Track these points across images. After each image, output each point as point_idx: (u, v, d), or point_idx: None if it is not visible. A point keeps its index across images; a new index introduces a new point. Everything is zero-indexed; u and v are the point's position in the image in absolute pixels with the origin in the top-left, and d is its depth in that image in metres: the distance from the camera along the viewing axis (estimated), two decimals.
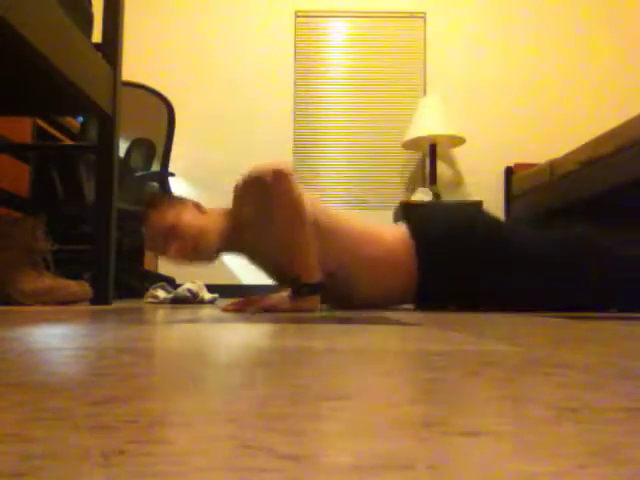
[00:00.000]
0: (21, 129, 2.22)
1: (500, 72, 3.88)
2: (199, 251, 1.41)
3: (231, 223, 1.46)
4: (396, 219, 3.63)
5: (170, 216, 1.41)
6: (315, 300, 1.31)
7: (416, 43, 3.90)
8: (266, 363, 0.36)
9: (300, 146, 3.83)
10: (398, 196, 3.78)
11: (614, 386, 0.29)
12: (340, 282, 1.48)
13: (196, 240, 1.40)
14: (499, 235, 1.53)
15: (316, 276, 1.31)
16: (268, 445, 0.17)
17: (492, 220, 1.59)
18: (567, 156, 2.92)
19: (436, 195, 3.40)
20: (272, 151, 3.80)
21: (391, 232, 1.54)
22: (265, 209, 1.33)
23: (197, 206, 1.48)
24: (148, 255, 3.37)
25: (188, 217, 1.42)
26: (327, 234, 1.43)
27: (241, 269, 3.76)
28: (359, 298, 1.55)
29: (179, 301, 1.93)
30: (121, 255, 2.43)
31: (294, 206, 1.29)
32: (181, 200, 1.49)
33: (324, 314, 1.17)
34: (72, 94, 1.40)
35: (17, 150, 2.22)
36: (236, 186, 1.41)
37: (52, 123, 2.56)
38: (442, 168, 3.80)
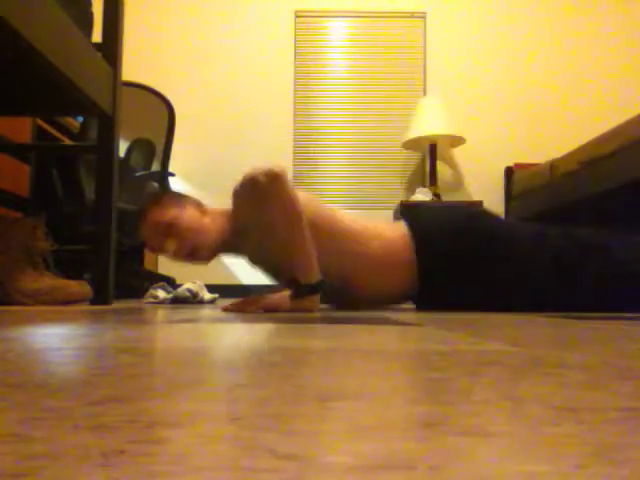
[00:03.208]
0: (21, 129, 2.22)
1: (500, 72, 3.88)
2: (196, 251, 1.41)
3: (231, 224, 1.46)
4: (396, 218, 3.63)
5: (169, 214, 1.41)
6: (315, 300, 1.31)
7: (416, 43, 3.90)
8: (266, 363, 0.36)
9: (300, 146, 3.83)
10: (398, 196, 3.78)
11: (614, 386, 0.29)
12: (340, 282, 1.48)
13: (194, 240, 1.40)
14: (500, 234, 1.53)
15: (315, 276, 1.31)
16: (268, 445, 0.17)
17: (493, 219, 1.59)
18: (567, 156, 2.92)
19: (436, 195, 3.40)
20: (272, 151, 3.80)
21: (391, 230, 1.54)
22: (262, 211, 1.33)
23: (198, 205, 1.48)
24: (148, 255, 3.37)
25: (188, 216, 1.42)
26: (326, 234, 1.43)
27: (241, 269, 3.77)
28: (359, 298, 1.55)
29: (179, 301, 1.93)
30: (121, 255, 2.43)
31: (289, 207, 1.29)
32: (182, 198, 1.49)
33: (324, 314, 1.17)
34: (72, 94, 1.40)
35: (17, 150, 2.22)
36: (234, 189, 1.41)
37: (52, 123, 2.56)
38: (442, 168, 3.80)
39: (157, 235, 1.42)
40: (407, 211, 1.58)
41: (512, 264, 1.50)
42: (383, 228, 1.55)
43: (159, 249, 1.45)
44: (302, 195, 1.41)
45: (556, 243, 1.52)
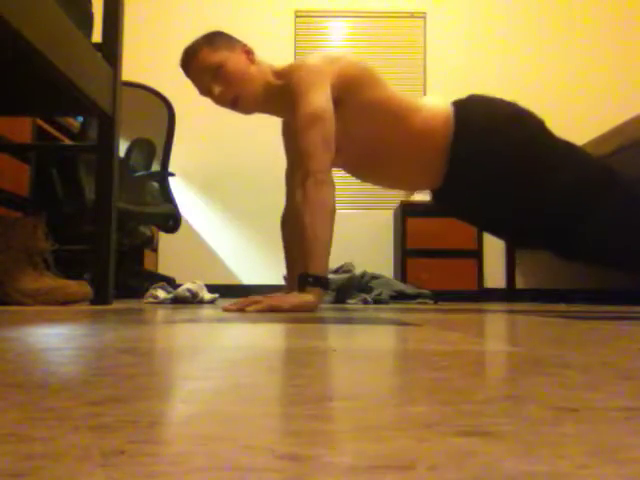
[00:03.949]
0: (21, 129, 2.22)
1: (500, 72, 3.88)
2: (240, 98, 1.43)
3: (276, 82, 1.46)
4: (396, 218, 3.63)
5: (219, 55, 1.42)
6: (318, 293, 1.30)
7: (416, 43, 3.90)
8: (266, 363, 0.36)
9: None
10: (398, 196, 3.78)
11: (614, 386, 0.29)
12: (371, 150, 1.49)
13: (239, 86, 1.42)
14: (539, 140, 1.49)
15: (323, 271, 1.31)
16: (268, 445, 0.17)
17: (538, 123, 1.54)
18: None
19: None
20: (272, 151, 3.80)
21: (435, 108, 1.51)
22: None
23: (248, 52, 1.48)
24: (148, 255, 3.37)
25: (236, 61, 1.43)
26: (369, 98, 1.44)
27: (241, 269, 3.77)
28: (385, 172, 1.56)
29: (179, 301, 1.93)
30: (121, 255, 2.43)
31: (325, 203, 1.32)
32: (234, 42, 1.48)
33: (324, 314, 1.17)
34: (72, 94, 1.40)
35: (17, 150, 2.22)
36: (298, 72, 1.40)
37: (52, 123, 2.56)
38: None
39: (204, 75, 1.43)
40: (459, 99, 1.56)
41: (539, 177, 1.46)
42: (428, 105, 1.52)
43: (205, 91, 1.46)
44: (352, 63, 1.43)
45: (589, 168, 1.48)
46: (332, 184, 1.36)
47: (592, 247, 1.46)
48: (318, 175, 1.33)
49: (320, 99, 1.36)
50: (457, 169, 1.49)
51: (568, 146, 1.52)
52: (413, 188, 1.66)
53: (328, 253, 1.33)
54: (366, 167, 1.57)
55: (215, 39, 1.46)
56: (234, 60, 1.43)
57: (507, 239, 1.46)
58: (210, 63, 1.42)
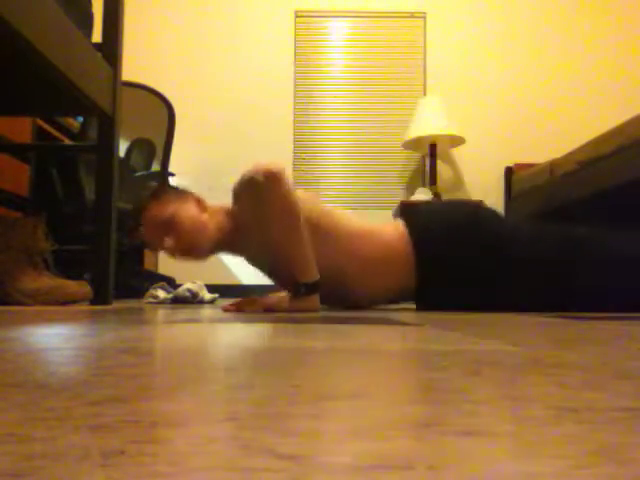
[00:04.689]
0: (21, 129, 2.22)
1: (500, 72, 3.88)
2: (194, 248, 1.40)
3: (230, 222, 1.45)
4: (394, 217, 3.63)
5: (168, 210, 1.39)
6: (314, 300, 1.31)
7: (416, 43, 3.90)
8: (266, 363, 0.36)
9: (300, 146, 3.83)
10: (398, 196, 3.78)
11: (614, 386, 0.29)
12: (338, 281, 1.48)
13: (192, 237, 1.38)
14: (499, 232, 1.52)
15: (314, 276, 1.31)
16: (268, 445, 0.17)
17: (493, 217, 1.57)
18: (567, 156, 2.92)
19: (436, 195, 3.40)
20: (272, 151, 3.80)
21: (389, 230, 1.53)
22: (260, 210, 1.33)
23: (197, 201, 1.46)
24: (148, 255, 3.37)
25: (186, 213, 1.40)
26: (324, 233, 1.43)
27: (241, 269, 3.77)
28: (358, 297, 1.55)
29: (179, 301, 1.93)
30: (121, 255, 2.43)
31: (287, 206, 1.29)
32: (182, 194, 1.47)
33: (324, 314, 1.17)
34: (72, 94, 1.40)
35: (17, 150, 2.22)
36: (233, 187, 1.41)
37: (52, 123, 2.56)
38: (442, 168, 3.80)
39: (155, 231, 1.40)
40: (405, 210, 1.58)
41: (512, 263, 1.50)
42: (381, 228, 1.54)
43: (157, 246, 1.43)
44: (301, 194, 1.40)
45: (555, 241, 1.52)
46: (292, 189, 1.32)
47: (592, 300, 1.48)
48: (271, 174, 1.29)
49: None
50: (429, 278, 1.50)
51: (522, 224, 1.59)
52: (389, 302, 1.66)
53: (311, 256, 1.31)
54: (337, 293, 1.54)
55: (162, 194, 1.44)
56: (184, 212, 1.40)
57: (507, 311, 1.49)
58: (159, 219, 1.39)
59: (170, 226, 1.38)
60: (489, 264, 1.49)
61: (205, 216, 1.43)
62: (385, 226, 1.57)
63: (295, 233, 1.29)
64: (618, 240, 1.52)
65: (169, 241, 1.38)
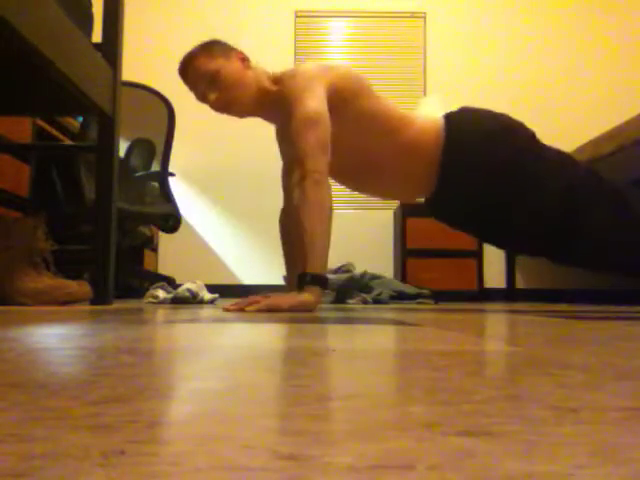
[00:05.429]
0: (21, 129, 2.22)
1: (500, 72, 3.88)
2: (235, 103, 1.48)
3: (271, 88, 1.50)
4: (396, 218, 3.63)
5: (215, 63, 1.46)
6: (317, 292, 1.30)
7: (416, 43, 3.90)
8: (266, 363, 0.36)
9: None
10: None
11: (614, 386, 0.29)
12: (363, 162, 1.51)
13: (234, 91, 1.46)
14: (529, 155, 1.49)
15: (323, 270, 1.32)
16: (268, 445, 0.17)
17: (531, 137, 1.54)
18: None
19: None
20: (272, 151, 3.80)
21: (426, 122, 1.53)
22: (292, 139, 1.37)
23: (244, 59, 1.52)
24: (148, 255, 3.37)
25: (232, 68, 1.47)
26: (361, 109, 1.47)
27: (241, 269, 3.77)
28: (377, 183, 1.57)
29: (179, 301, 1.93)
30: (121, 255, 2.43)
31: (320, 202, 1.32)
32: (229, 50, 1.52)
33: (324, 314, 1.17)
34: (72, 94, 1.40)
35: (17, 150, 2.22)
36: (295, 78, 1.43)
37: (52, 123, 2.56)
38: None
39: (201, 82, 1.48)
40: (450, 112, 1.58)
41: (531, 188, 1.47)
42: (420, 119, 1.55)
43: (201, 97, 1.51)
44: (347, 72, 1.48)
45: (579, 174, 1.49)
46: (329, 184, 1.37)
47: (591, 251, 1.47)
48: (315, 175, 1.33)
49: (315, 103, 1.38)
50: (447, 182, 1.51)
51: (558, 155, 1.53)
52: (403, 199, 1.68)
53: (327, 252, 1.34)
54: (355, 177, 1.59)
55: (211, 47, 1.50)
56: (229, 67, 1.47)
57: (505, 248, 1.47)
58: (206, 70, 1.46)
59: (215, 79, 1.46)
60: (508, 184, 1.47)
61: (249, 74, 1.50)
62: (424, 119, 1.56)
63: (323, 224, 1.32)
64: (637, 197, 1.49)
65: (212, 94, 1.47)
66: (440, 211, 1.58)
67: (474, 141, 1.49)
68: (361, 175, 1.57)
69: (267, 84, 1.50)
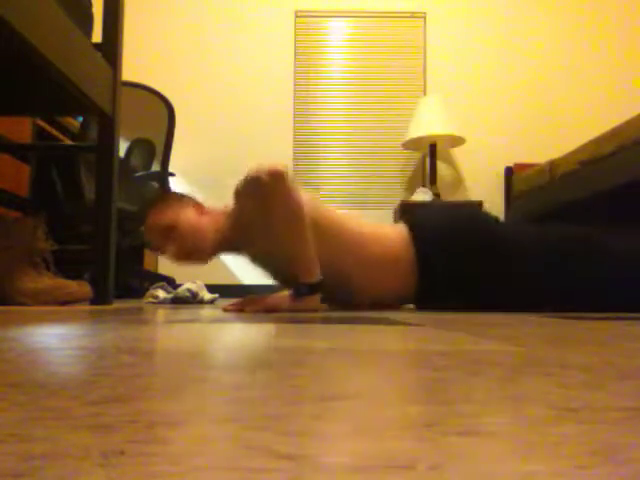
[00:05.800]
0: (21, 129, 2.22)
1: (500, 72, 3.88)
2: (195, 252, 1.44)
3: (231, 223, 1.46)
4: (396, 219, 3.63)
5: (168, 216, 1.44)
6: (315, 300, 1.31)
7: (416, 43, 3.90)
8: (266, 363, 0.36)
9: (300, 146, 3.83)
10: (398, 196, 3.78)
11: (614, 386, 0.29)
12: (341, 282, 1.48)
13: (192, 242, 1.42)
14: (498, 234, 1.53)
15: (315, 276, 1.31)
16: (268, 445, 0.17)
17: (491, 219, 1.59)
18: (567, 156, 2.92)
19: (436, 195, 3.40)
20: (272, 151, 3.80)
21: (390, 232, 1.54)
22: (264, 210, 1.33)
23: (197, 206, 1.49)
24: (148, 255, 3.37)
25: (186, 218, 1.44)
26: (326, 234, 1.43)
27: (241, 269, 3.77)
28: (358, 298, 1.55)
29: (179, 301, 1.93)
30: (121, 255, 2.43)
31: (291, 206, 1.29)
32: (182, 199, 1.50)
33: (324, 314, 1.17)
34: (72, 94, 1.40)
35: (17, 150, 2.22)
36: (236, 187, 1.41)
37: (52, 123, 2.56)
38: (442, 168, 3.80)
39: (157, 237, 1.46)
40: (406, 213, 1.58)
41: (511, 263, 1.50)
42: (383, 230, 1.55)
43: (160, 250, 1.48)
44: (304, 195, 1.41)
45: (554, 241, 1.52)
46: (288, 186, 1.30)
47: (588, 297, 1.49)
48: (281, 189, 1.28)
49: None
50: (427, 279, 1.51)
51: (520, 225, 1.58)
52: (390, 301, 1.66)
53: (313, 254, 1.32)
54: (340, 290, 1.54)
55: (162, 201, 1.48)
56: (184, 217, 1.44)
57: (508, 310, 1.49)
58: (160, 225, 1.44)
59: (171, 232, 1.43)
60: (489, 265, 1.50)
61: (205, 220, 1.46)
62: (387, 228, 1.57)
63: (299, 233, 1.30)
64: (618, 240, 1.52)
65: (171, 247, 1.44)
66: (431, 303, 1.58)
67: (442, 237, 1.51)
68: (345, 293, 1.54)
69: (226, 222, 1.46)
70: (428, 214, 1.62)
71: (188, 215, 1.45)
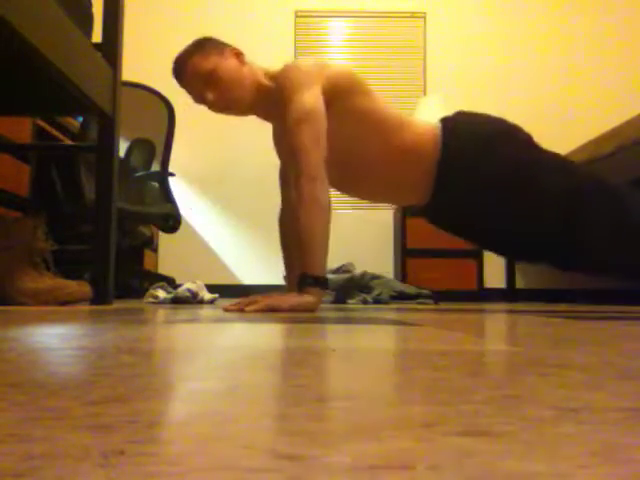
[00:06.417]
0: (21, 129, 2.22)
1: (500, 72, 3.88)
2: (234, 101, 1.44)
3: (267, 84, 1.47)
4: (396, 219, 3.63)
5: (210, 62, 1.43)
6: (317, 294, 1.30)
7: (416, 43, 3.90)
8: (266, 363, 0.36)
9: None
10: None
11: (614, 386, 0.29)
12: (359, 165, 1.48)
13: (232, 90, 1.43)
14: (527, 160, 1.46)
15: (322, 271, 1.31)
16: (268, 445, 0.17)
17: (528, 140, 1.51)
18: (567, 156, 2.92)
19: None
20: (272, 151, 3.80)
21: (423, 127, 1.50)
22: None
23: (238, 55, 1.49)
24: (148, 255, 3.37)
25: (228, 64, 1.44)
26: (359, 110, 1.43)
27: (241, 269, 3.77)
28: (372, 186, 1.54)
29: (179, 301, 1.93)
30: (121, 255, 2.43)
31: (317, 201, 1.29)
32: (224, 46, 1.49)
33: (324, 314, 1.17)
34: (72, 94, 1.40)
35: (17, 150, 2.22)
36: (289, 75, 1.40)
37: (52, 123, 2.56)
38: None
39: (198, 82, 1.45)
40: (446, 117, 1.54)
41: (530, 192, 1.44)
42: (417, 123, 1.52)
43: (198, 98, 1.47)
44: (343, 70, 1.43)
45: (578, 178, 1.47)
46: (326, 181, 1.34)
47: (591, 255, 1.45)
48: (311, 172, 1.31)
49: (311, 98, 1.35)
50: (445, 189, 1.48)
51: (555, 159, 1.50)
52: (398, 203, 1.64)
53: (326, 252, 1.32)
54: (349, 179, 1.54)
55: (205, 45, 1.47)
56: (225, 64, 1.44)
57: (505, 256, 1.44)
58: (202, 70, 1.43)
59: (211, 78, 1.43)
60: (506, 190, 1.45)
61: (245, 70, 1.46)
62: (421, 123, 1.53)
63: (322, 226, 1.30)
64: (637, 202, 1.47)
65: (210, 94, 1.43)
66: (438, 218, 1.56)
67: (472, 147, 1.46)
68: (353, 177, 1.53)
69: (264, 80, 1.47)
70: (466, 120, 1.54)
71: (230, 62, 1.45)
